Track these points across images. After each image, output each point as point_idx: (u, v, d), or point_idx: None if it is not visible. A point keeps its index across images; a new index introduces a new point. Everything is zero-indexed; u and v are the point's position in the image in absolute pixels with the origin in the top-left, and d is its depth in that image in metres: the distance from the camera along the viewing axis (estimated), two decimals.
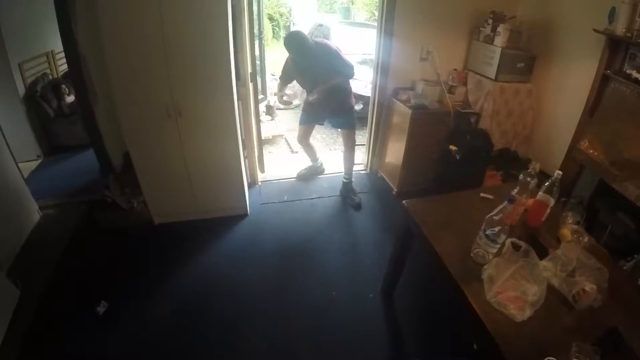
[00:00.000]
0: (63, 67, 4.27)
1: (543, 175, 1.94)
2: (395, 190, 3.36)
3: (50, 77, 4.10)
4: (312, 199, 3.32)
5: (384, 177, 3.60)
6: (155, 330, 2.09)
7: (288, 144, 4.60)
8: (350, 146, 3.21)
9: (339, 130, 3.33)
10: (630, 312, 1.33)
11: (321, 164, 3.67)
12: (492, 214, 1.44)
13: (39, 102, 3.71)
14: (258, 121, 3.27)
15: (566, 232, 1.62)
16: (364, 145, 3.79)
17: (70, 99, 3.94)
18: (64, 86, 3.96)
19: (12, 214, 2.51)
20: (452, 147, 2.95)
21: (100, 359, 1.95)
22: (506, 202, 1.43)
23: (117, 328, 2.08)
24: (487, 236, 1.44)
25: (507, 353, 1.17)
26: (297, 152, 4.31)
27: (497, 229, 1.41)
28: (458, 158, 2.91)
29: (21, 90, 3.62)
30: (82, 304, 2.19)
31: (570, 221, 1.68)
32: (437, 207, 1.86)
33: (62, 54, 3.50)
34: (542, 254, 1.47)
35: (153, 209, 2.81)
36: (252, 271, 2.50)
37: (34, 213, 2.80)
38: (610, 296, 1.33)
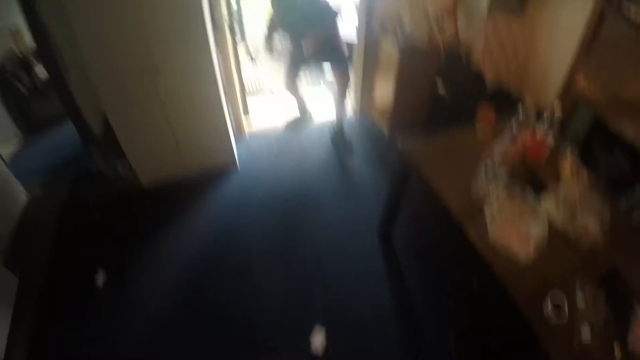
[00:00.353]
0: (29, 41, 3.88)
1: (538, 113, 1.89)
2: (387, 132, 3.28)
3: (18, 54, 3.77)
4: (302, 147, 3.24)
5: (374, 120, 3.50)
6: (157, 295, 2.11)
7: (270, 90, 4.39)
8: (342, 89, 3.07)
9: (331, 72, 3.16)
10: (628, 250, 1.33)
11: (310, 113, 3.55)
12: (491, 152, 1.41)
13: (10, 81, 3.50)
14: (239, 68, 3.12)
15: (566, 169, 1.60)
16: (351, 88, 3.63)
17: (40, 69, 3.67)
18: (31, 59, 3.69)
19: None
20: (441, 88, 2.84)
21: (106, 333, 1.95)
22: (505, 139, 1.39)
23: (118, 299, 2.09)
24: (487, 174, 1.41)
25: (511, 289, 1.18)
26: (274, 94, 4.12)
27: (497, 166, 1.39)
28: (447, 98, 2.82)
29: None
30: (81, 279, 2.18)
31: (569, 158, 1.65)
32: (434, 146, 1.81)
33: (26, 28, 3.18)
34: (543, 191, 1.46)
35: (140, 174, 2.72)
36: (250, 226, 2.50)
37: (21, 195, 2.72)
38: (609, 234, 1.34)
